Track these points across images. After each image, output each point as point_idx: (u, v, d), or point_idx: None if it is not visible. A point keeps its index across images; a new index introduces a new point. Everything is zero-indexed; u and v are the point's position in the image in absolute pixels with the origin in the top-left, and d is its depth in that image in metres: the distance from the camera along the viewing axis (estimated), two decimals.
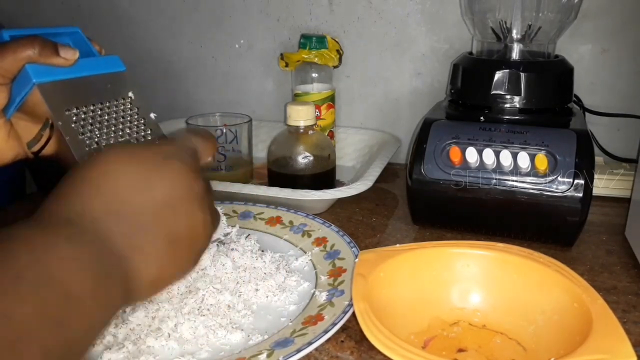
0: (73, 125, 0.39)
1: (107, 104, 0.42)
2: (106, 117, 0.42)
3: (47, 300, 0.24)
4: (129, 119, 0.43)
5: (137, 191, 0.30)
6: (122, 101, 0.44)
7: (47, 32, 0.41)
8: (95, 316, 0.26)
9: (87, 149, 0.39)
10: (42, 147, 0.41)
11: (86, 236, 0.27)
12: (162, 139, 0.44)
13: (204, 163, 0.35)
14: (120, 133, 0.42)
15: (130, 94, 0.44)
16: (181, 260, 0.32)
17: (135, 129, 0.43)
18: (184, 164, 0.32)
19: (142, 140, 0.43)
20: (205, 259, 0.49)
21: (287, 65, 0.80)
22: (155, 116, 0.45)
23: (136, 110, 0.44)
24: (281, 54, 0.81)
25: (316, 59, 0.78)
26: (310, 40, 0.78)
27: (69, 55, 0.39)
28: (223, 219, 0.51)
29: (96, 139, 0.40)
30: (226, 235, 0.55)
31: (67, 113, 0.40)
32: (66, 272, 0.25)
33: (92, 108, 0.41)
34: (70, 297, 0.25)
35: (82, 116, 0.40)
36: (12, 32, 0.40)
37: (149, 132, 0.44)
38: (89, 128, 0.40)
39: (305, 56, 0.78)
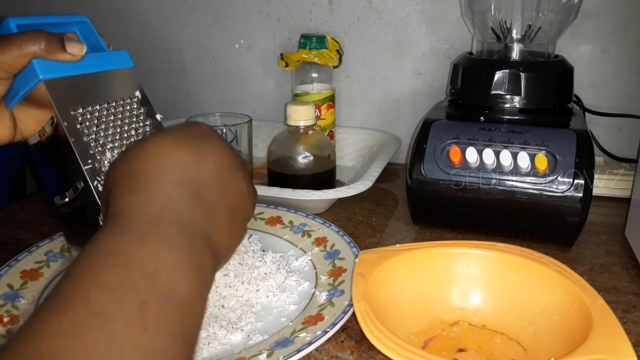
0: (78, 127, 0.38)
1: (114, 104, 0.40)
2: (112, 118, 0.40)
3: (169, 317, 0.26)
4: (134, 119, 0.41)
5: (194, 170, 0.31)
6: (128, 101, 0.41)
7: (55, 21, 0.39)
8: (202, 309, 0.29)
9: (90, 151, 0.38)
10: (43, 143, 0.39)
11: (174, 234, 0.29)
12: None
13: None
14: (126, 135, 0.40)
15: (137, 93, 0.42)
16: (238, 228, 0.35)
17: (140, 131, 0.41)
18: (221, 139, 0.34)
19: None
20: None
21: (287, 65, 0.80)
22: (161, 117, 0.43)
23: (142, 111, 0.42)
24: (281, 54, 0.81)
25: (316, 59, 0.78)
26: (310, 40, 0.78)
27: (76, 50, 0.38)
28: None
29: (101, 141, 0.39)
30: None
31: (72, 113, 0.38)
32: (177, 286, 0.27)
33: (98, 108, 0.39)
34: (185, 306, 0.27)
35: (88, 116, 0.39)
36: (19, 21, 0.38)
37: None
38: (94, 129, 0.38)
39: (305, 56, 0.78)
